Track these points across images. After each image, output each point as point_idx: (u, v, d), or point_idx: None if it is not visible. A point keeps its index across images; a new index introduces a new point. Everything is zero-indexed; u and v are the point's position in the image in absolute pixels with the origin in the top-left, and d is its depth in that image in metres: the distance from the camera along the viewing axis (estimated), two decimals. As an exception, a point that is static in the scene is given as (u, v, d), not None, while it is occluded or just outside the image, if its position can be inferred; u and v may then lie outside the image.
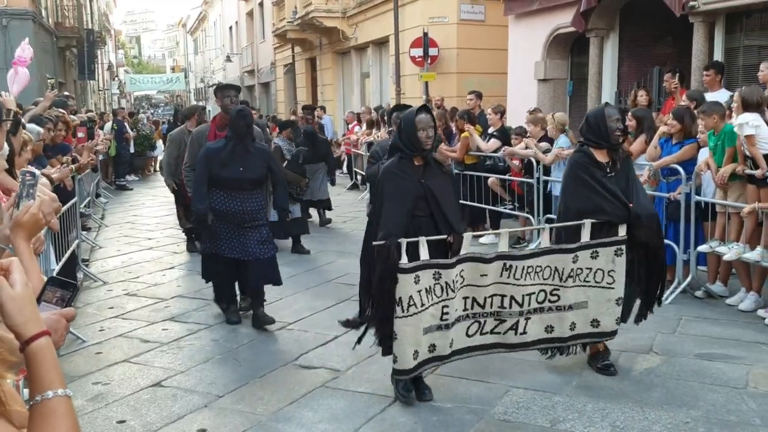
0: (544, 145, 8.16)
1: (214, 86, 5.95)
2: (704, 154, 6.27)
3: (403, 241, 3.94)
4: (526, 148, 8.25)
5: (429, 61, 15.55)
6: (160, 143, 21.32)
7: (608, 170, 4.49)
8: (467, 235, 4.16)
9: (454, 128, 9.95)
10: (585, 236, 4.41)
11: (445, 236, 4.10)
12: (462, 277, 4.12)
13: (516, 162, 8.55)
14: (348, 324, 4.60)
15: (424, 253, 3.98)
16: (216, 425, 3.96)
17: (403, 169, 4.11)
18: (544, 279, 4.31)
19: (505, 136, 8.98)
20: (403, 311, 3.91)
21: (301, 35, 23.11)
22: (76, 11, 26.74)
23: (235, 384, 4.55)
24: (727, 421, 3.80)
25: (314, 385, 4.50)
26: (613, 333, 4.53)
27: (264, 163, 5.62)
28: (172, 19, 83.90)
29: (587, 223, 4.40)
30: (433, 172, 4.17)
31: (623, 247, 4.42)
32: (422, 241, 3.98)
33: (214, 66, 43.94)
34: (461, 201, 9.24)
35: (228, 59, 35.78)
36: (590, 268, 4.39)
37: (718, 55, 9.20)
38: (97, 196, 13.46)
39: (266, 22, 29.13)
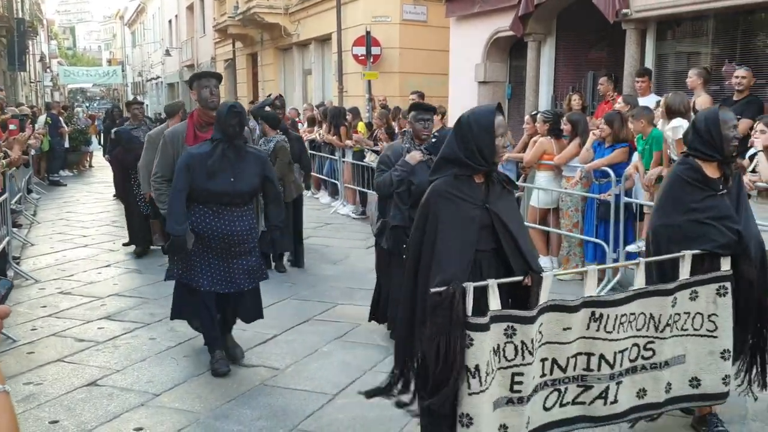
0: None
1: (192, 75, 4.95)
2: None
3: (471, 287, 2.92)
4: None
5: (372, 60, 15.63)
6: (96, 138, 20.84)
7: (720, 188, 3.66)
8: (548, 275, 3.15)
9: (397, 128, 10.06)
10: (684, 272, 3.51)
11: (520, 278, 3.13)
12: (540, 333, 3.11)
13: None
14: (374, 394, 3.46)
15: (494, 302, 2.98)
16: (153, 424, 3.93)
17: (462, 190, 3.12)
18: (638, 330, 3.37)
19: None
20: (481, 384, 2.90)
21: (242, 31, 22.87)
22: (7, -1, 25.78)
23: (172, 382, 4.52)
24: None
25: (253, 383, 4.51)
26: (722, 396, 3.60)
27: (259, 172, 4.55)
28: (108, 10, 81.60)
29: (687, 255, 3.51)
30: (497, 192, 3.20)
31: (728, 284, 3.53)
32: (493, 285, 2.99)
33: (153, 60, 43.00)
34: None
35: (167, 53, 35.07)
36: (688, 313, 3.52)
37: (650, 61, 9.56)
38: (29, 192, 13.05)
39: (207, 17, 28.71)
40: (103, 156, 16.13)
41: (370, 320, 5.44)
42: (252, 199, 4.64)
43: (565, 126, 7.15)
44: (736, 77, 6.75)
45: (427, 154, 4.86)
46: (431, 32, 15.60)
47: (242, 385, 4.47)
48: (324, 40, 18.90)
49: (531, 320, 3.01)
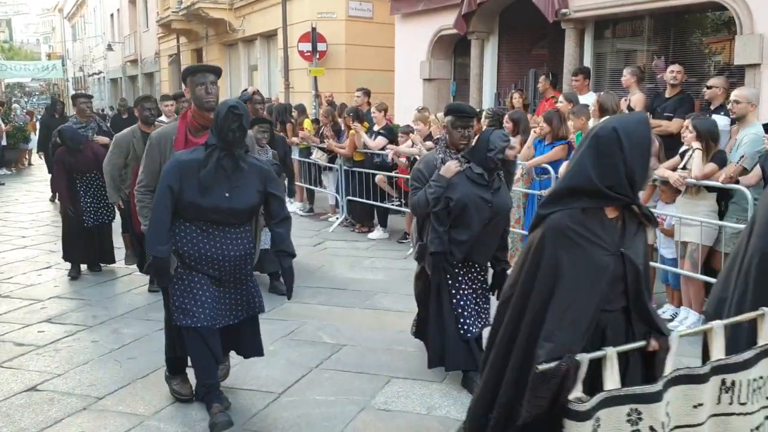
0: (430, 143, 8.43)
1: (185, 70, 4.19)
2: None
3: (586, 360, 2.26)
4: (413, 146, 8.50)
5: (317, 56, 15.61)
6: (36, 135, 20.24)
7: None
8: (674, 336, 2.53)
9: (342, 125, 10.10)
10: None
11: (643, 343, 2.48)
12: (668, 415, 2.34)
13: (403, 159, 8.79)
14: None
15: (612, 379, 2.30)
16: (95, 428, 3.90)
17: (592, 229, 2.41)
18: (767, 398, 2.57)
19: (391, 134, 9.21)
20: None
21: (186, 26, 22.53)
22: (-62, -9, 24.76)
23: (116, 385, 4.48)
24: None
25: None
26: None
27: (260, 187, 3.79)
28: (47, 2, 79.09)
29: None
30: (633, 232, 2.51)
31: None
32: (611, 357, 2.31)
33: (95, 54, 41.93)
34: (349, 197, 9.47)
35: (109, 48, 34.26)
36: None
37: (588, 60, 9.83)
38: (-36, 191, 12.62)
39: (150, 11, 28.15)
40: (37, 153, 15.60)
41: (414, 335, 4.80)
42: (250, 219, 3.91)
43: (507, 125, 7.30)
44: (671, 72, 6.99)
45: (465, 162, 4.20)
46: (377, 29, 15.67)
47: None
48: (269, 36, 18.78)
49: (657, 397, 2.27)
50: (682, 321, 5.42)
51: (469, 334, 4.27)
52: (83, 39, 46.42)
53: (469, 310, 4.31)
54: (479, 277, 4.42)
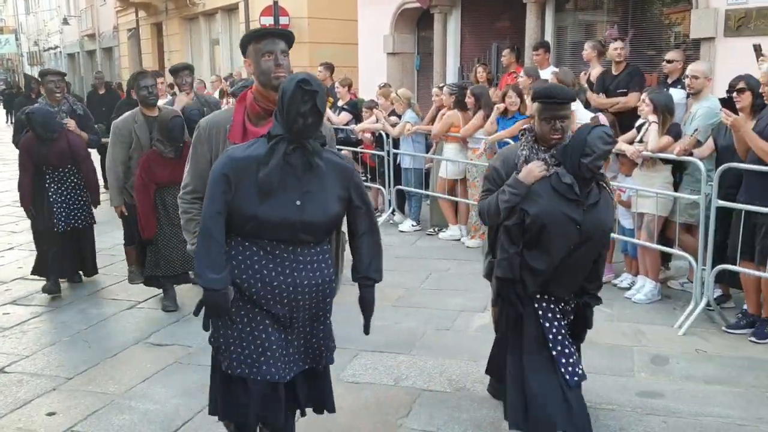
0: (394, 119, 8.48)
1: (245, 36, 2.94)
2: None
3: None
4: (377, 121, 8.53)
5: (280, 31, 15.44)
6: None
7: None
8: None
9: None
10: None
11: None
12: None
13: (368, 135, 8.82)
14: None
15: None
16: (66, 408, 3.93)
17: None
18: None
19: (355, 109, 9.22)
20: None
21: (145, -1, 22.06)
22: None
23: (85, 365, 4.50)
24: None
25: (167, 362, 4.54)
26: None
27: (341, 190, 2.76)
28: (-3, -26, 76.36)
29: None
30: None
31: None
32: None
33: (50, 28, 40.78)
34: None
35: (65, 21, 33.35)
36: None
37: (549, 33, 9.92)
38: None
39: (106, -17, 27.45)
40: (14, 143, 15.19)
41: (487, 372, 3.95)
42: (329, 235, 2.86)
43: (469, 99, 7.38)
44: (615, 49, 7.09)
45: (554, 164, 3.21)
46: (340, 2, 15.53)
47: (156, 364, 4.50)
48: (231, 10, 18.50)
49: None
50: (639, 289, 5.61)
51: (576, 378, 3.20)
52: (37, 12, 45.07)
53: (570, 347, 3.26)
54: (567, 308, 3.38)
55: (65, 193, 5.95)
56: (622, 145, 5.60)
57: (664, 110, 5.41)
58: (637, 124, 5.81)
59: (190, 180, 3.01)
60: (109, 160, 5.51)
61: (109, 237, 7.28)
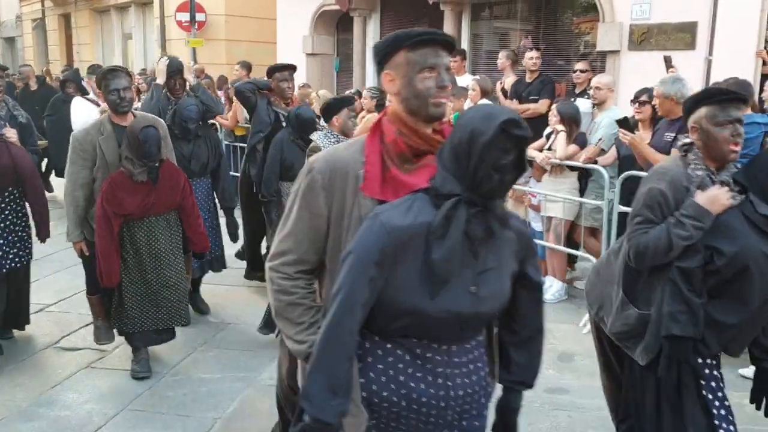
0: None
1: (392, 40, 1.95)
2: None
3: None
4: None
5: (196, 27, 15.18)
6: None
7: None
8: None
9: (223, 98, 9.95)
10: None
11: None
12: None
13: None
14: None
15: None
16: (-31, 417, 3.78)
17: None
18: None
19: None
20: None
21: (52, -12, 21.16)
22: None
23: (-11, 372, 4.33)
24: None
25: (79, 366, 4.44)
26: None
27: (515, 265, 2.00)
28: None
29: None
30: None
31: None
32: None
33: (-54, 14, 38.42)
34: (232, 173, 9.34)
35: (-37, 8, 31.52)
36: None
37: (466, 40, 10.19)
38: None
39: (10, -30, 26.15)
40: None
41: None
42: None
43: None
44: (530, 58, 7.40)
45: (736, 190, 2.59)
46: (258, 0, 15.40)
47: (66, 369, 4.39)
48: (145, 4, 18.00)
49: None
50: (547, 289, 5.86)
51: None
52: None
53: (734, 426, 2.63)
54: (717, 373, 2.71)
55: (3, 223, 4.52)
56: (532, 152, 5.84)
57: (571, 120, 5.70)
58: (546, 132, 6.08)
59: (292, 245, 2.01)
60: (67, 182, 4.19)
61: (60, 280, 6.33)
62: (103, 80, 4.15)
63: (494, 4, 10.09)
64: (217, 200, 5.53)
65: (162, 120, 4.60)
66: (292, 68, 5.87)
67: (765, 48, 7.51)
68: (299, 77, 11.16)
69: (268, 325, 4.76)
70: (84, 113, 6.41)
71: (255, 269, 5.92)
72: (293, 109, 5.23)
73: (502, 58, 7.91)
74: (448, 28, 9.86)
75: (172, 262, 4.28)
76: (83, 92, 8.07)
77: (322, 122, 5.16)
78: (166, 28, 15.81)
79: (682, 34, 7.51)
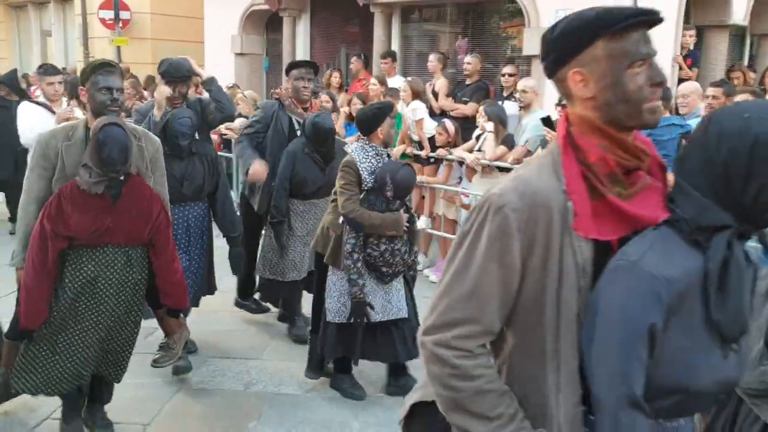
0: (242, 120, 8.38)
1: (593, 22, 1.42)
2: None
3: None
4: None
5: (120, 25, 14.76)
6: None
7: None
8: None
9: (149, 96, 9.72)
10: None
11: None
12: None
13: (215, 137, 8.65)
14: None
15: None
16: None
17: None
18: None
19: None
20: None
21: (-37, -19, 20.16)
22: None
23: None
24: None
25: None
26: None
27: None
28: None
29: None
30: None
31: None
32: None
33: None
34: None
35: None
36: None
37: (396, 42, 10.27)
38: None
39: None
40: None
41: None
42: None
43: (328, 104, 7.47)
44: (467, 62, 7.55)
45: None
46: (185, -1, 15.11)
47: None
48: (65, 0, 17.39)
49: None
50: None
51: None
52: None
53: None
54: None
55: None
56: (463, 153, 5.95)
57: (498, 122, 5.82)
58: (476, 134, 6.19)
59: (474, 311, 1.46)
60: (23, 193, 3.32)
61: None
62: (91, 75, 3.33)
63: (424, 7, 10.21)
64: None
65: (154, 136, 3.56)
66: (311, 66, 5.00)
67: (680, 54, 7.87)
68: (226, 77, 11.01)
69: None
70: (34, 119, 5.65)
71: (246, 296, 5.29)
72: (310, 116, 4.56)
73: (433, 61, 8.01)
74: (378, 30, 9.92)
75: (123, 320, 3.29)
76: (22, 96, 7.25)
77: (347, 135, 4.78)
78: (89, 26, 15.31)
79: (604, 40, 7.76)
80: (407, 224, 3.89)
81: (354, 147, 4.00)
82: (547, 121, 5.14)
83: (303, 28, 11.59)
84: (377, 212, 3.77)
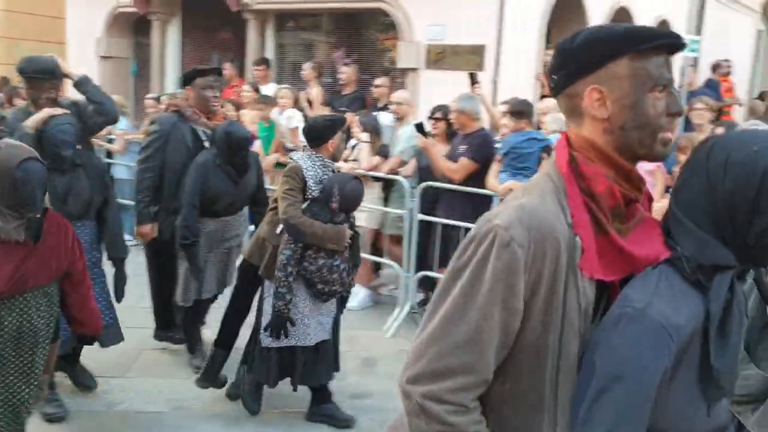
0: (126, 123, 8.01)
1: (622, 37, 1.33)
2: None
3: None
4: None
5: (-30, 21, 13.68)
6: None
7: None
8: None
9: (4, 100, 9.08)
10: None
11: None
12: None
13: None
14: None
15: None
16: None
17: None
18: None
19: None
20: None
21: None
22: None
23: None
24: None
25: None
26: None
27: None
28: None
29: None
30: None
31: None
32: None
33: None
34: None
35: None
36: None
37: (270, 50, 10.17)
38: None
39: None
40: None
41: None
42: None
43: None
44: (343, 73, 7.61)
45: None
46: (45, -3, 14.24)
47: None
48: None
49: None
50: (353, 296, 5.98)
51: None
52: None
53: None
54: None
55: None
56: (338, 162, 5.94)
57: (373, 132, 5.90)
58: (351, 143, 6.22)
59: (471, 359, 1.29)
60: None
61: None
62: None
63: (299, 15, 10.18)
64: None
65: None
66: (219, 73, 4.70)
67: (543, 72, 8.31)
68: (94, 79, 10.45)
69: None
70: None
71: (166, 328, 4.76)
72: (221, 126, 4.22)
73: (308, 70, 8.00)
74: (251, 37, 9.79)
75: (32, 365, 2.86)
76: None
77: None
78: (-67, 20, 14.07)
79: (473, 56, 8.07)
80: (349, 240, 3.71)
81: (300, 155, 3.84)
82: (419, 128, 5.30)
83: (173, 32, 11.23)
84: (319, 222, 3.58)
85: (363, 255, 5.88)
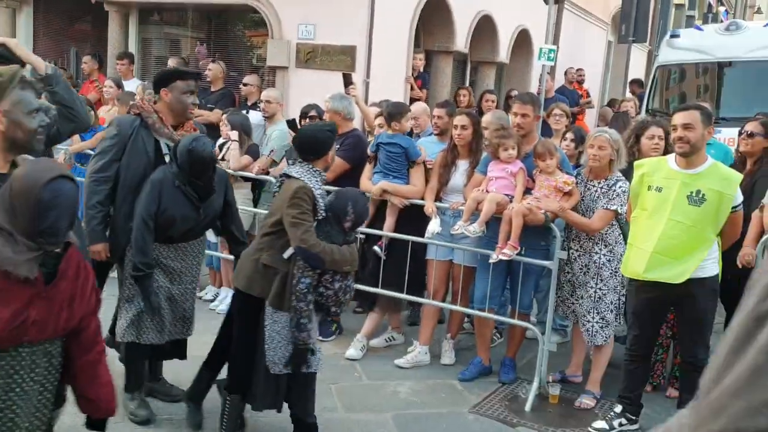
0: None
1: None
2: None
3: None
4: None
5: None
6: None
7: None
8: None
9: None
10: None
11: None
12: None
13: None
14: None
15: None
16: None
17: None
18: None
19: None
20: None
21: None
22: None
23: None
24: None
25: None
26: None
27: None
28: None
29: None
30: None
31: None
32: None
33: None
34: None
35: None
36: None
37: (133, 44, 9.75)
38: None
39: None
40: None
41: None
42: None
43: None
44: (209, 69, 7.41)
45: None
46: None
47: None
48: None
49: None
50: (222, 300, 5.84)
51: None
52: None
53: None
54: None
55: None
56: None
57: (242, 131, 5.78)
58: (219, 142, 6.07)
59: None
60: None
61: None
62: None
63: (164, 9, 9.83)
64: None
65: None
66: (199, 78, 4.20)
67: (412, 75, 8.51)
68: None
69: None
70: None
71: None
72: (184, 141, 3.56)
73: (171, 64, 7.74)
74: (113, 30, 9.36)
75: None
76: None
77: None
78: None
79: (344, 57, 8.13)
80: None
81: (299, 171, 3.39)
82: (291, 124, 5.28)
83: (25, 21, 10.50)
84: (336, 246, 3.27)
85: (231, 257, 5.77)
